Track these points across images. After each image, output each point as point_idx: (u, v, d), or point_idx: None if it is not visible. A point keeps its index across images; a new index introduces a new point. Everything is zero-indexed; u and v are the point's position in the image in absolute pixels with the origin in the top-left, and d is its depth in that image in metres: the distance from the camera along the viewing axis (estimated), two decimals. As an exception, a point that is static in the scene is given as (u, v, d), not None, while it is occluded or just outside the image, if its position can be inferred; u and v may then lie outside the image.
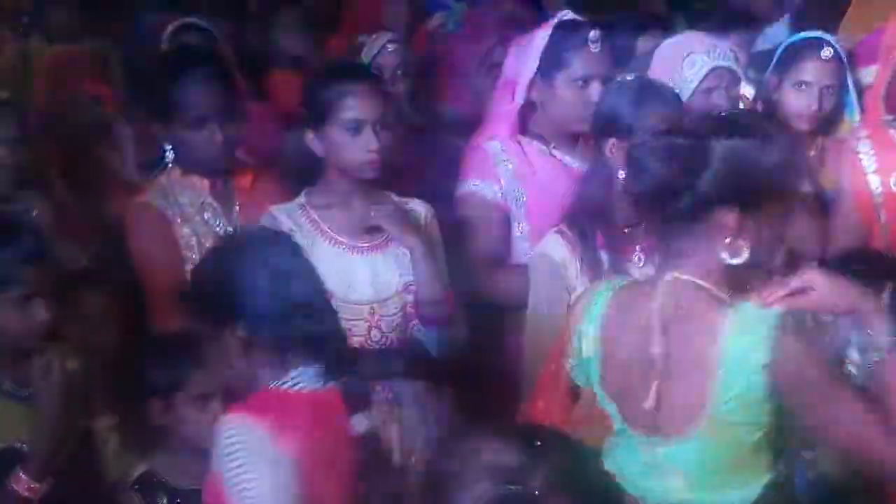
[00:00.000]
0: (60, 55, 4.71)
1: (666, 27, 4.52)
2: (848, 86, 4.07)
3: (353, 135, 3.34)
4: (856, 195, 3.81)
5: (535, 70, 3.77)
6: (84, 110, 4.32)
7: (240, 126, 3.61)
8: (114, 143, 4.37)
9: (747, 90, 3.94)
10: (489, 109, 3.98)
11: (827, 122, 4.06)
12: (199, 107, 3.53)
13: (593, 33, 3.74)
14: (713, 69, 3.79)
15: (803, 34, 4.13)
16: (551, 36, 3.78)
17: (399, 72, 4.64)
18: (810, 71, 4.00)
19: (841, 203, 3.86)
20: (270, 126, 4.42)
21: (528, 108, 3.83)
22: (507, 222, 3.77)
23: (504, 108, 3.86)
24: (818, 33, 4.10)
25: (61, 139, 4.24)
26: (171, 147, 3.61)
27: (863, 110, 4.04)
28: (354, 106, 3.34)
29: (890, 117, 3.87)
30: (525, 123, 3.85)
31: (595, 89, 3.68)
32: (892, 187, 3.77)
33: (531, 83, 3.79)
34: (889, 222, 3.76)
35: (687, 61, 3.81)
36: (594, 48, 3.73)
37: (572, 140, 3.81)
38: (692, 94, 3.76)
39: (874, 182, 3.78)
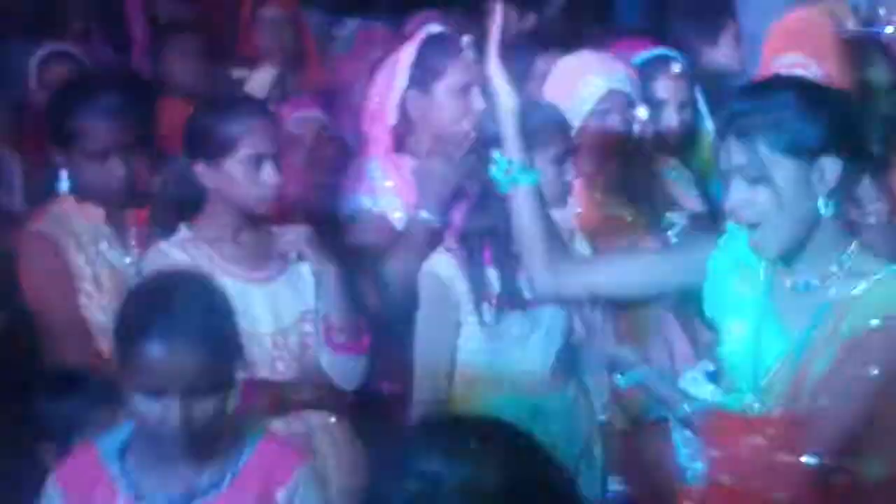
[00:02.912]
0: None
1: (566, 45, 4.59)
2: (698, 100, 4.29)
3: (252, 169, 3.38)
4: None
5: (405, 85, 3.85)
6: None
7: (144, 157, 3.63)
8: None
9: (642, 111, 4.04)
10: (363, 131, 4.04)
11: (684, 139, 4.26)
12: (103, 139, 3.53)
13: (465, 40, 3.83)
14: (609, 91, 3.91)
15: (650, 52, 4.29)
16: (420, 49, 3.88)
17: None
18: (663, 88, 4.19)
19: None
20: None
21: (401, 126, 3.91)
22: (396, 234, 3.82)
23: (377, 128, 3.94)
24: (665, 50, 4.30)
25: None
26: (67, 176, 3.60)
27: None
28: (255, 141, 3.39)
29: None
30: (400, 142, 3.93)
31: (476, 95, 3.78)
32: None
33: (403, 99, 3.86)
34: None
35: (582, 82, 3.92)
36: (469, 54, 3.82)
37: (451, 153, 3.85)
38: (587, 114, 3.87)
39: None
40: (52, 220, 3.60)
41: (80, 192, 3.60)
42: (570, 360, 3.62)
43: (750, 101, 2.69)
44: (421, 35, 3.99)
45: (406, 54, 3.92)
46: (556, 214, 3.57)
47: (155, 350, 2.50)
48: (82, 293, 3.54)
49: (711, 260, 2.81)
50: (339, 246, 3.68)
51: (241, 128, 3.39)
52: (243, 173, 3.38)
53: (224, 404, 2.57)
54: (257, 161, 3.38)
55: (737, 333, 2.75)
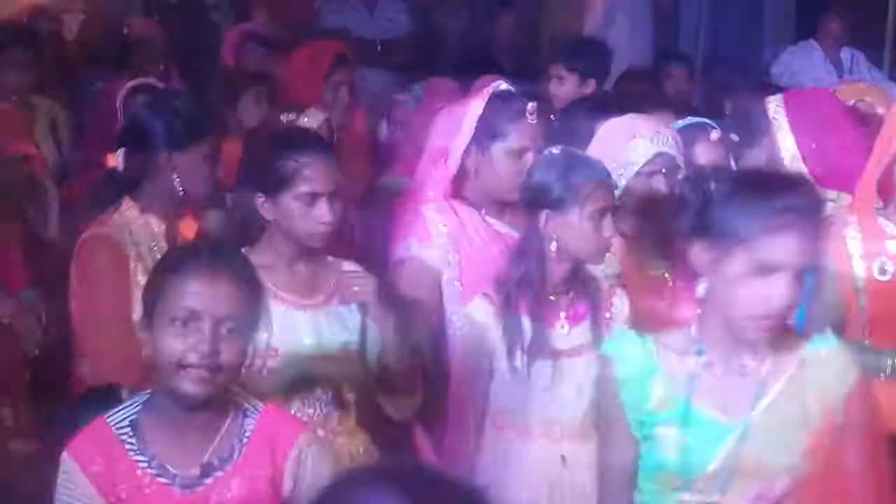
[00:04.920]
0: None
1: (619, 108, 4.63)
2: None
3: (307, 206, 3.50)
4: (838, 278, 3.89)
5: (469, 139, 3.95)
6: (9, 167, 4.42)
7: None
8: (39, 202, 4.50)
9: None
10: (421, 175, 4.16)
11: None
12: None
13: (531, 105, 3.95)
14: (656, 154, 3.98)
15: (689, 120, 4.40)
16: (486, 106, 3.97)
17: None
18: (702, 153, 4.25)
19: (822, 283, 3.93)
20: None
21: (460, 175, 4.03)
22: (439, 285, 3.94)
23: (437, 174, 4.05)
24: (702, 119, 4.41)
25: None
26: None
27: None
28: (311, 178, 3.50)
29: (880, 205, 3.97)
30: (456, 189, 4.04)
31: (529, 159, 3.87)
32: (875, 274, 3.85)
33: (466, 151, 3.95)
34: (868, 308, 3.86)
35: (631, 144, 3.99)
36: (531, 119, 3.92)
37: (502, 207, 4.02)
38: (633, 175, 3.95)
39: (858, 267, 3.86)
40: (116, 226, 3.83)
41: (144, 201, 3.85)
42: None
43: None
44: (489, 90, 4.08)
45: (473, 108, 4.03)
46: (594, 270, 3.65)
47: (191, 273, 2.67)
48: (135, 301, 3.65)
49: (620, 377, 2.85)
50: (393, 289, 3.81)
51: (298, 165, 3.50)
52: (298, 209, 3.50)
53: (243, 356, 2.72)
54: (312, 198, 3.50)
55: (669, 434, 2.78)
